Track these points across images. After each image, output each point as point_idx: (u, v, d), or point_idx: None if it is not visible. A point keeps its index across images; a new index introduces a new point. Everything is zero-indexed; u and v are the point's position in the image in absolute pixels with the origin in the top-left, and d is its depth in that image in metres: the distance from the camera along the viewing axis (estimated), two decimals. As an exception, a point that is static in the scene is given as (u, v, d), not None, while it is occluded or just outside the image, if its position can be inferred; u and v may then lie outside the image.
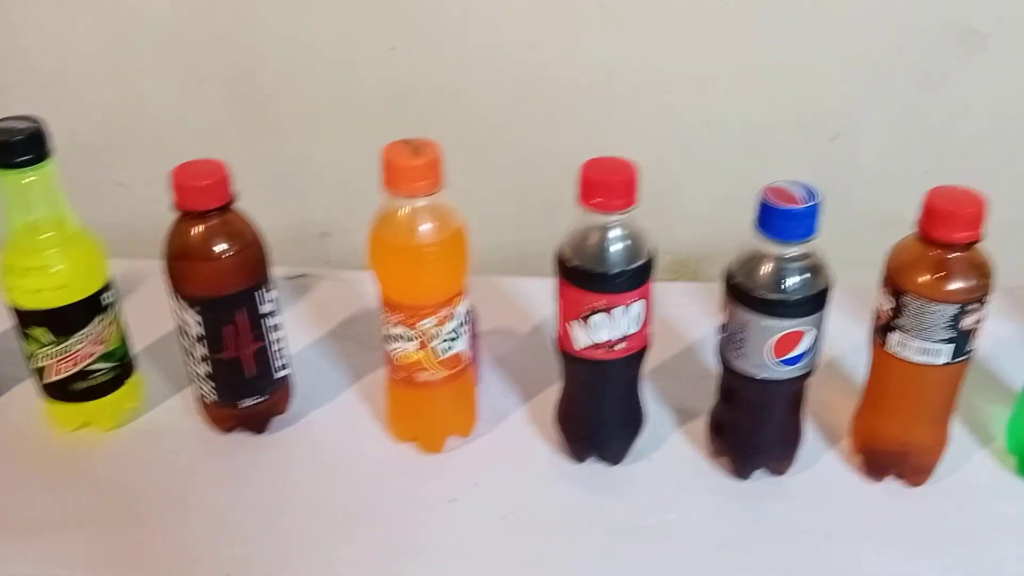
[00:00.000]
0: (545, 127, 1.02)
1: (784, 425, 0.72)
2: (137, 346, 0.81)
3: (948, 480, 0.73)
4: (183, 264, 0.70)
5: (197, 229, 0.69)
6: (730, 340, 0.68)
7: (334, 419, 0.80)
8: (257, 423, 0.78)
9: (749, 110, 1.00)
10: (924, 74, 0.97)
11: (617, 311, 0.66)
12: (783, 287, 0.64)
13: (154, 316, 0.79)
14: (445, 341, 0.71)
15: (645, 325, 0.69)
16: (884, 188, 1.01)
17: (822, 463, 0.75)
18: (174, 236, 0.70)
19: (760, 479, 0.74)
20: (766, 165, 1.01)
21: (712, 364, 0.72)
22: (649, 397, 0.79)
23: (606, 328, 0.67)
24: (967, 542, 0.69)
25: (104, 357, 0.75)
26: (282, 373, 0.78)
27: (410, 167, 0.65)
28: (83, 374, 0.75)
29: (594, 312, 0.67)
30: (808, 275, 0.64)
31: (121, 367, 0.77)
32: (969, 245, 0.63)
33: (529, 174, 1.05)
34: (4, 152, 0.67)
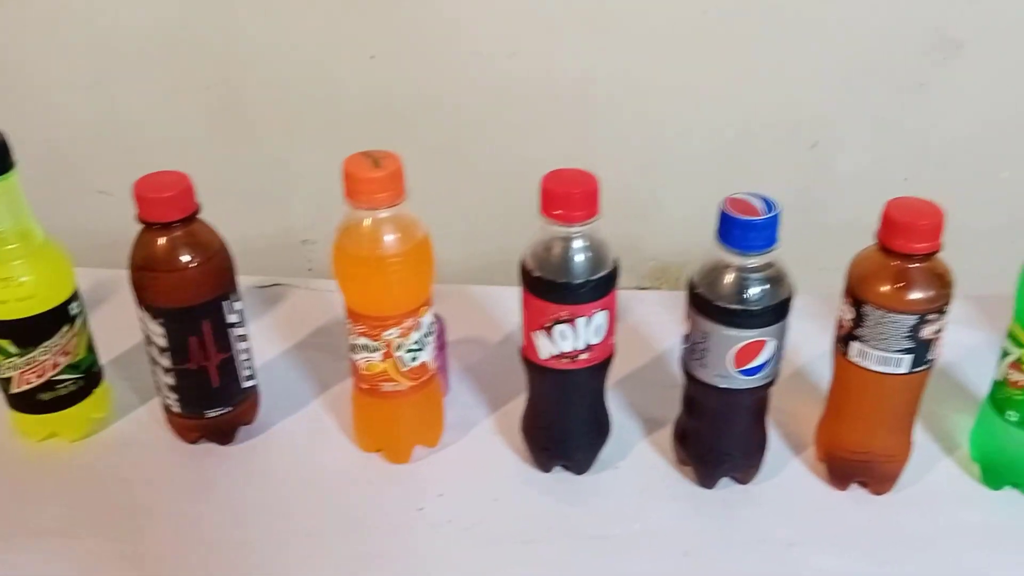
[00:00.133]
0: (525, 135, 1.02)
1: (747, 434, 0.72)
2: (106, 356, 0.81)
3: (912, 488, 0.74)
4: (147, 275, 0.70)
5: (160, 241, 0.69)
6: (692, 350, 0.68)
7: (301, 429, 0.80)
8: (223, 433, 0.78)
9: (729, 118, 1.00)
10: (902, 82, 0.97)
11: (580, 322, 0.66)
12: (744, 297, 0.64)
13: (126, 326, 0.78)
14: (410, 351, 0.72)
15: (609, 335, 0.69)
16: (863, 196, 1.00)
17: (787, 471, 0.75)
18: (138, 247, 0.70)
19: (726, 487, 0.74)
20: (746, 172, 1.02)
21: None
22: (617, 406, 0.80)
23: (569, 338, 0.67)
24: (931, 550, 0.69)
25: (70, 368, 0.75)
26: (249, 383, 0.78)
27: (371, 179, 0.65)
28: (49, 384, 0.74)
29: (557, 323, 0.67)
30: (769, 285, 0.64)
31: (88, 377, 0.77)
32: (928, 256, 0.63)
33: (509, 182, 1.04)
34: (-34, 164, 0.66)
